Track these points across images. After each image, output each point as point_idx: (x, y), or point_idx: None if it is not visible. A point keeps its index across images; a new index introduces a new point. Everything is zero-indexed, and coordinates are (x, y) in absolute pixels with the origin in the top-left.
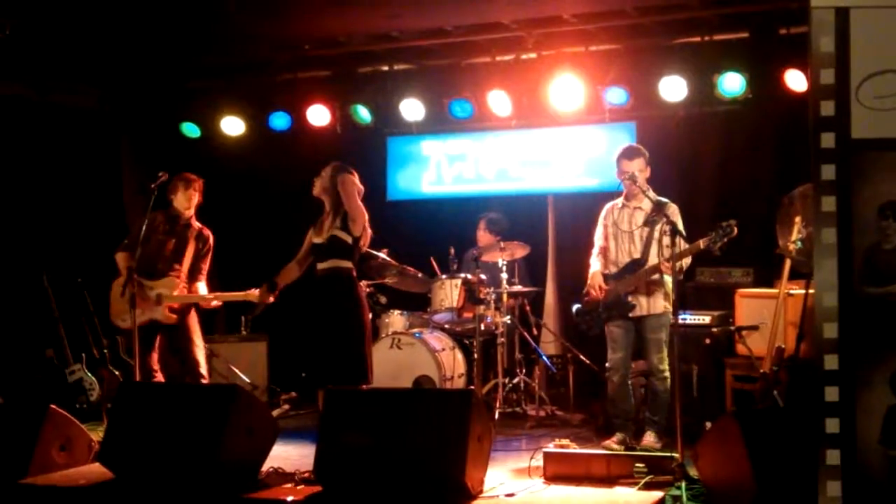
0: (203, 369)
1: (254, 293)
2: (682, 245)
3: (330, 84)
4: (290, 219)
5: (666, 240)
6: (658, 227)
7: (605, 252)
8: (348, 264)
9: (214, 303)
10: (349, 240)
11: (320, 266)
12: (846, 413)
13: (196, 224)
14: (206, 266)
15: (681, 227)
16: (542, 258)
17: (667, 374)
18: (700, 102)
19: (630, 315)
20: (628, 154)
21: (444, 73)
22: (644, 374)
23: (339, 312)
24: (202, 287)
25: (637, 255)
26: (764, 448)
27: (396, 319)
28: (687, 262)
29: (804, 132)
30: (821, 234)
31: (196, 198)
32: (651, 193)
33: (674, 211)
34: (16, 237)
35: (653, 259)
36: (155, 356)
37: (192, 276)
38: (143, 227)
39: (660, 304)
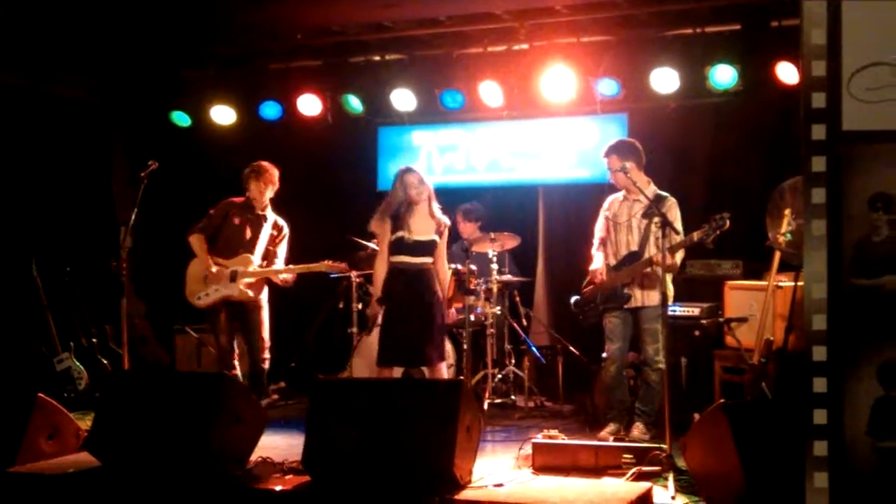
0: (267, 354)
1: (327, 263)
2: (676, 239)
3: (321, 73)
4: (279, 207)
5: (659, 233)
6: (655, 220)
7: (605, 244)
8: (433, 259)
9: (287, 276)
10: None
11: (413, 260)
12: (834, 404)
13: (272, 214)
14: (280, 252)
15: (677, 221)
16: (533, 249)
17: (662, 364)
18: (692, 94)
19: (626, 306)
20: (603, 153)
21: (436, 64)
22: (635, 365)
23: (432, 302)
24: (278, 266)
25: (634, 248)
26: (752, 439)
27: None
28: (681, 256)
29: (795, 124)
30: (810, 226)
31: (268, 189)
32: (652, 187)
33: (671, 205)
34: (4, 226)
35: (650, 251)
36: (226, 337)
37: (267, 260)
38: (217, 213)
39: (656, 295)
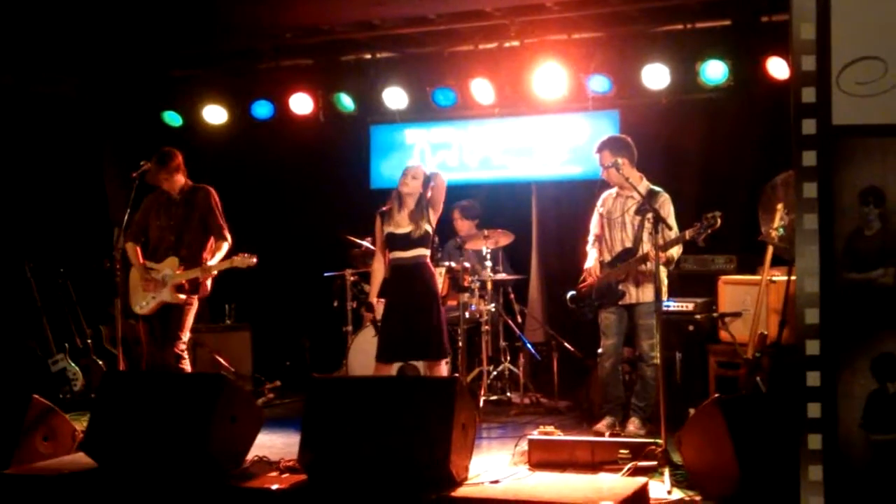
0: (183, 354)
1: (239, 258)
2: (669, 235)
3: (312, 72)
4: (273, 207)
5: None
6: (648, 216)
7: (599, 240)
8: (428, 252)
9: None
10: (431, 231)
11: (406, 254)
12: (828, 398)
13: (193, 192)
14: (216, 221)
15: (671, 216)
16: (526, 246)
17: (656, 360)
18: (683, 90)
19: (621, 302)
20: (595, 149)
21: (427, 62)
22: (630, 361)
23: (429, 297)
24: (224, 247)
25: (629, 244)
26: (747, 433)
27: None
28: (678, 251)
29: (786, 119)
30: (802, 221)
31: (170, 177)
32: (644, 182)
33: (664, 201)
34: None
35: (644, 248)
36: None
37: (208, 235)
38: (139, 217)
39: (650, 291)
